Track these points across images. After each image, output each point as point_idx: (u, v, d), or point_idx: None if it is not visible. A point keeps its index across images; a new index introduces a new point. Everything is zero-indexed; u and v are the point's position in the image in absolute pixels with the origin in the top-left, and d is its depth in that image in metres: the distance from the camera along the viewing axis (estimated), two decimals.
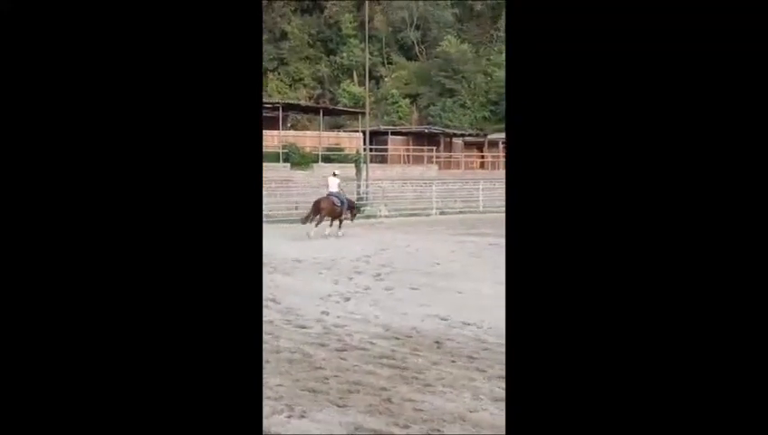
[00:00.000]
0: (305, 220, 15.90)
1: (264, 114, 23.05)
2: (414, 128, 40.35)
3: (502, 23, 46.48)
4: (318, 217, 15.81)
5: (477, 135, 41.39)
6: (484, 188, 25.80)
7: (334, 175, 17.17)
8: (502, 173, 33.73)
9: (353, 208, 17.37)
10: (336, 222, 16.34)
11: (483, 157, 40.20)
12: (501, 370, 4.87)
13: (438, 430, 3.78)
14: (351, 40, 46.14)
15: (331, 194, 16.37)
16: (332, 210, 16.04)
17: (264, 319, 4.44)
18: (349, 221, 16.91)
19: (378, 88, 45.19)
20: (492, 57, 45.54)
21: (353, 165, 26.55)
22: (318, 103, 39.38)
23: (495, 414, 4.00)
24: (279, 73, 46.24)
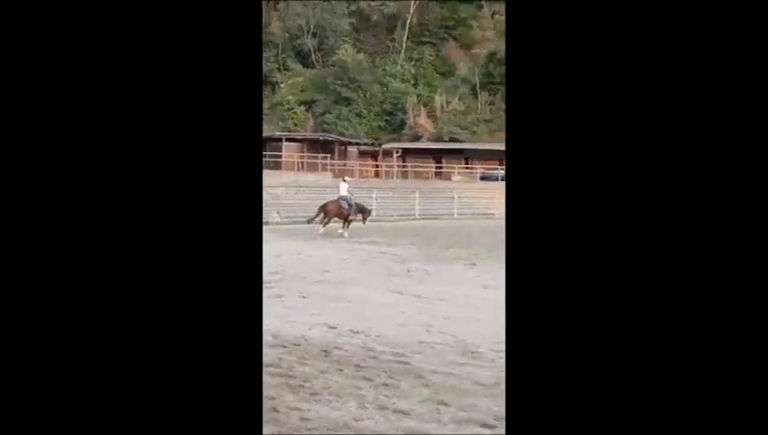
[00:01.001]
0: (310, 221, 17.78)
1: None
2: (309, 135, 40.28)
3: (398, 34, 47.24)
4: (326, 218, 17.65)
5: (372, 144, 41.80)
6: (378, 196, 26.03)
7: (344, 181, 19.51)
8: (396, 182, 34.22)
9: (365, 212, 19.20)
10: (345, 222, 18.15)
11: (377, 166, 40.62)
12: (387, 378, 4.93)
13: None
14: None
15: (341, 197, 18.31)
16: (340, 212, 17.96)
17: None
18: (361, 224, 18.82)
19: (273, 94, 44.80)
20: (388, 67, 46.13)
21: None
22: None
23: (380, 422, 4.04)
24: None
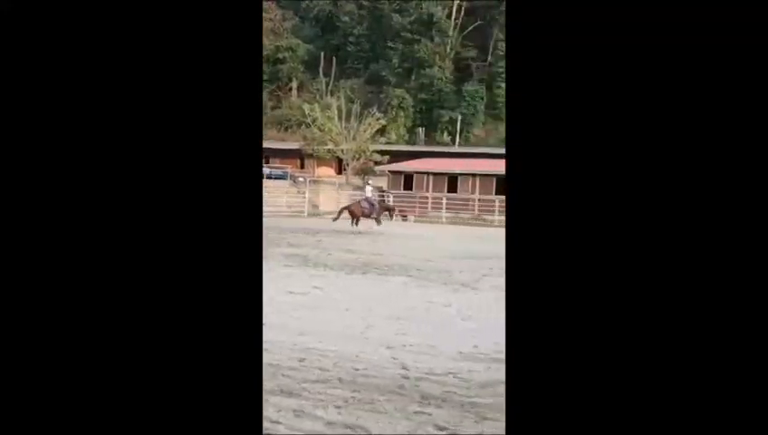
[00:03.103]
0: (335, 219, 20.33)
1: None
2: None
3: None
4: (353, 219, 20.21)
5: None
6: None
7: (368, 184, 22.75)
8: None
9: (391, 210, 22.43)
10: (366, 220, 20.66)
11: None
12: None
13: None
14: None
15: (365, 198, 21.07)
16: (362, 212, 20.43)
17: None
18: (388, 219, 21.98)
19: None
20: None
21: None
22: None
23: None
24: None
